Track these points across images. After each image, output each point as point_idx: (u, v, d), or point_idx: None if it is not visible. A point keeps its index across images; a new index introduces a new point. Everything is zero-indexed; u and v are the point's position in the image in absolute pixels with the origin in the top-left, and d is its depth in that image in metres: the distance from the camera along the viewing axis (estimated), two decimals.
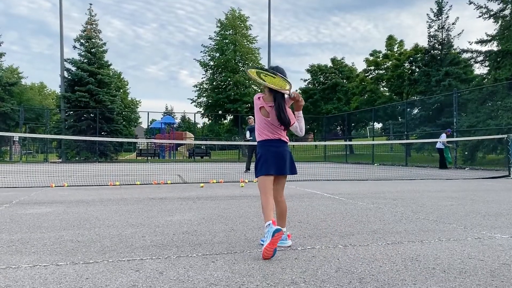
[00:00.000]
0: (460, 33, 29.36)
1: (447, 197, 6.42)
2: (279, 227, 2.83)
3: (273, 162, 3.09)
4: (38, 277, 2.32)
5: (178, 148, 35.04)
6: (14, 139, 27.99)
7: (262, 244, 2.90)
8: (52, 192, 7.09)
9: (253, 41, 44.01)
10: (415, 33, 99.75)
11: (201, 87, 44.70)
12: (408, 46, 36.67)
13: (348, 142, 26.46)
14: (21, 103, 39.60)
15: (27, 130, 33.34)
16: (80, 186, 8.36)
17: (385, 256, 2.81)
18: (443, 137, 16.48)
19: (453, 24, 27.75)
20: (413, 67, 33.85)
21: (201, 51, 42.82)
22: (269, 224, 2.84)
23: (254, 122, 3.33)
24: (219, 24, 43.08)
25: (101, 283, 2.22)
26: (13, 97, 35.93)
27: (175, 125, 45.58)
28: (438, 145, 16.81)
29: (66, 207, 5.13)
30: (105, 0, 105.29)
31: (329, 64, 43.03)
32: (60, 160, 26.90)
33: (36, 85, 66.72)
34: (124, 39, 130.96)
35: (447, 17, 27.98)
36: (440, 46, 28.29)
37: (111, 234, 3.54)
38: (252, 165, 13.71)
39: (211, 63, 43.37)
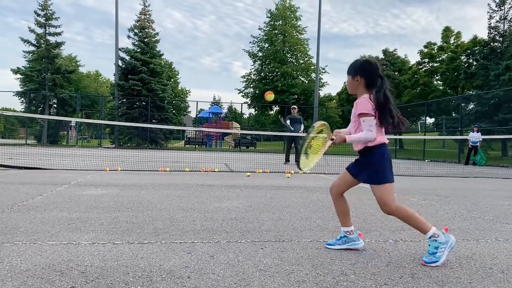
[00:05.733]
0: None
1: (504, 197, 6.11)
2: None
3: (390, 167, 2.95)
4: (97, 254, 2.44)
5: (225, 138, 35.53)
6: (71, 124, 29.47)
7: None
8: (107, 175, 7.42)
9: (303, 32, 43.61)
10: (479, 26, 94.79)
11: (249, 78, 44.96)
12: (467, 38, 35.04)
13: (397, 136, 25.67)
14: (78, 90, 41.61)
15: (83, 116, 35.02)
16: (132, 170, 8.69)
17: None
18: (476, 134, 16.48)
19: None
20: (470, 60, 32.32)
21: (249, 42, 43.10)
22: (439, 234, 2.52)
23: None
24: (269, 15, 43.02)
25: (155, 262, 2.31)
26: (71, 84, 37.87)
27: (221, 115, 46.19)
28: (474, 141, 16.73)
29: (120, 190, 5.36)
30: None
31: (381, 55, 41.90)
32: (113, 146, 28.03)
33: (91, 73, 69.74)
34: (183, 30, 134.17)
35: (511, 7, 26.40)
36: (501, 38, 26.76)
37: (163, 217, 3.66)
38: (292, 157, 13.70)
39: (260, 54, 43.45)
